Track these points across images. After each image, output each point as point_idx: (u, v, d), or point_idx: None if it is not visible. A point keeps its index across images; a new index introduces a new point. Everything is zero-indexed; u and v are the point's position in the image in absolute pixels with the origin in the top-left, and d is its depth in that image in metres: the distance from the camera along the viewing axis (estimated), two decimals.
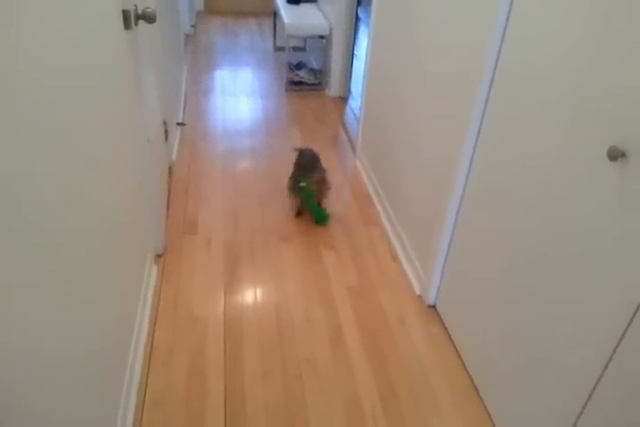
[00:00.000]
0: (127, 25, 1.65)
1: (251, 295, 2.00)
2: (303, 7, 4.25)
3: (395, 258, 2.23)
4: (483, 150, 1.53)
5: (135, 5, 1.74)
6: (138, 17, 1.77)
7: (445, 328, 1.86)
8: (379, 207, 2.54)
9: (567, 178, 1.15)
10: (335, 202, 2.63)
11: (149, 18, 1.79)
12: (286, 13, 4.02)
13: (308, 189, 2.33)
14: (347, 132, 3.39)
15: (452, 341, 1.81)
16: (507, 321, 1.43)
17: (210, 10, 6.04)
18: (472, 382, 1.67)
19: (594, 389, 1.10)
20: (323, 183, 2.39)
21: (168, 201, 2.51)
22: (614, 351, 1.03)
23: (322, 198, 2.47)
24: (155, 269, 2.02)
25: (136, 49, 1.80)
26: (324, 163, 2.53)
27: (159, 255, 2.13)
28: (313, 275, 2.12)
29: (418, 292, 2.00)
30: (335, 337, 1.82)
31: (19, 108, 0.80)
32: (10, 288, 0.76)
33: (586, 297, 1.11)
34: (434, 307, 1.95)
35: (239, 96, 3.89)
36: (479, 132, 1.54)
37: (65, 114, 1.02)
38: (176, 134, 3.07)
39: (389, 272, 2.15)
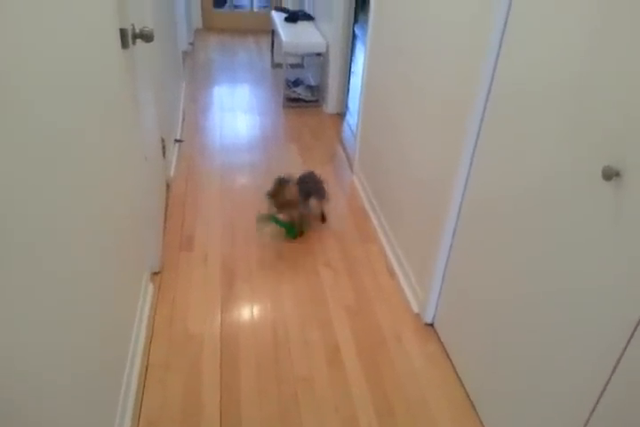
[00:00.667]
0: (125, 44, 1.67)
1: (247, 313, 1.99)
2: (300, 25, 4.30)
3: (392, 275, 2.22)
4: (478, 168, 1.54)
5: (132, 24, 1.76)
6: (135, 36, 1.79)
7: (443, 346, 1.85)
8: (375, 223, 2.54)
9: (562, 197, 1.15)
10: (332, 218, 2.63)
11: (147, 37, 1.81)
12: (284, 31, 4.07)
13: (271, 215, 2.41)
14: (344, 149, 3.41)
15: (449, 358, 1.80)
16: (505, 339, 1.42)
17: (208, 27, 6.11)
18: (469, 399, 1.65)
19: (593, 409, 1.08)
20: (301, 217, 2.44)
21: (165, 217, 2.51)
22: (614, 370, 1.02)
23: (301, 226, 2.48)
24: (151, 287, 2.01)
25: (133, 67, 1.81)
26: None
27: (155, 273, 2.12)
28: (310, 292, 2.11)
29: (415, 310, 1.99)
30: (332, 355, 1.81)
31: (12, 126, 0.81)
32: (5, 304, 0.75)
33: (583, 315, 1.10)
34: (431, 325, 1.94)
35: (237, 113, 3.92)
36: (474, 149, 1.54)
37: (61, 132, 1.03)
38: (174, 151, 3.08)
39: (386, 289, 2.14)
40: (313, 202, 2.46)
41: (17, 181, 0.81)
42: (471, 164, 1.57)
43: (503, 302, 1.41)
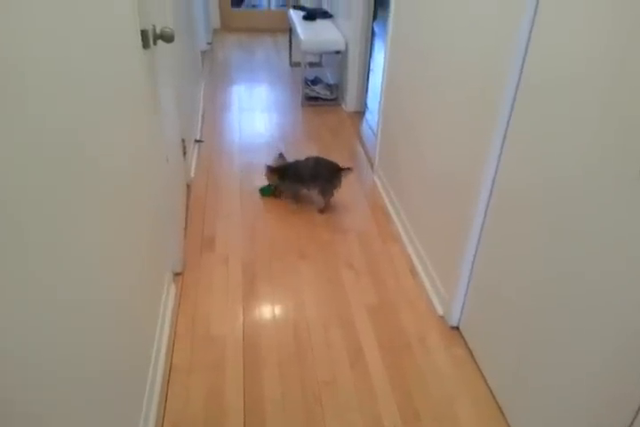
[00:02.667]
0: (146, 44, 1.66)
1: (269, 314, 1.97)
2: (319, 23, 4.27)
3: (415, 276, 2.19)
4: (507, 164, 1.49)
5: (153, 25, 1.75)
6: (156, 36, 1.78)
7: (469, 350, 1.81)
8: (397, 223, 2.51)
9: (597, 194, 1.11)
10: (353, 218, 2.60)
11: (167, 37, 1.80)
12: (302, 30, 4.04)
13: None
14: (364, 147, 3.38)
15: (475, 362, 1.76)
16: (534, 343, 1.38)
17: (226, 27, 6.12)
18: (498, 405, 1.61)
19: (635, 416, 1.04)
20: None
21: (186, 218, 2.51)
22: None
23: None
24: (173, 287, 2.01)
25: (154, 68, 1.81)
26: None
27: (177, 274, 2.12)
28: (331, 293, 2.09)
29: (440, 312, 1.95)
30: (355, 358, 1.78)
31: (32, 129, 0.80)
32: (26, 306, 0.74)
33: (617, 320, 1.06)
34: (457, 328, 1.90)
35: (256, 112, 3.91)
36: (502, 145, 1.50)
37: (84, 132, 1.02)
38: (194, 151, 3.08)
39: (410, 290, 2.11)
40: (314, 191, 2.63)
41: (39, 182, 0.80)
42: (499, 160, 1.52)
43: (534, 304, 1.37)
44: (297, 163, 2.64)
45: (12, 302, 0.70)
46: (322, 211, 2.64)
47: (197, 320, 1.91)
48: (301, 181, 2.61)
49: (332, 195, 2.62)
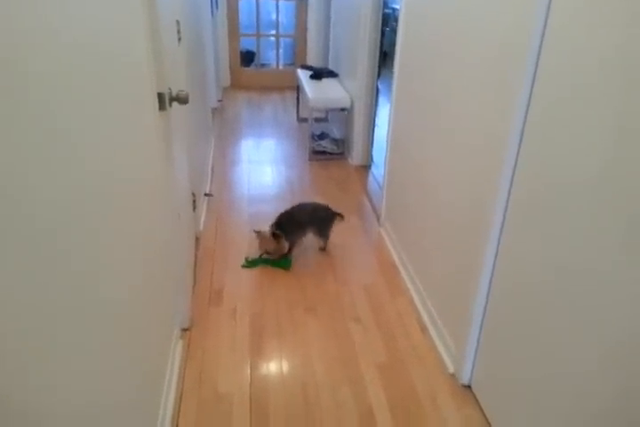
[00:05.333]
0: (162, 107, 1.74)
1: (277, 372, 1.94)
2: (325, 82, 4.45)
3: (424, 331, 2.16)
4: (514, 220, 1.51)
5: (170, 88, 1.84)
6: (172, 99, 1.86)
7: (482, 410, 1.76)
8: (405, 276, 2.50)
9: (607, 260, 1.12)
10: (360, 270, 2.60)
11: (182, 100, 1.88)
12: (309, 88, 4.20)
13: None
14: (370, 200, 3.43)
15: (488, 423, 1.71)
16: (549, 405, 1.35)
17: (236, 85, 6.36)
18: None
19: None
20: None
21: (194, 272, 2.51)
22: None
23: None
24: (180, 343, 1.99)
25: (169, 128, 1.88)
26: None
27: (184, 329, 2.11)
28: (340, 349, 2.06)
29: (451, 370, 1.91)
30: (365, 418, 1.74)
31: (56, 192, 0.83)
32: (39, 371, 0.74)
33: (631, 380, 1.05)
34: (469, 386, 1.85)
35: (264, 166, 4.00)
36: (508, 200, 1.52)
37: (100, 194, 1.06)
38: (203, 205, 3.13)
39: (419, 347, 2.08)
40: (309, 235, 2.70)
41: (56, 248, 0.82)
42: (505, 214, 1.54)
43: (548, 363, 1.35)
44: (291, 210, 2.70)
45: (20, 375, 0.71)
46: (323, 248, 2.76)
47: (204, 378, 1.88)
48: (300, 226, 2.67)
49: (329, 236, 2.74)
